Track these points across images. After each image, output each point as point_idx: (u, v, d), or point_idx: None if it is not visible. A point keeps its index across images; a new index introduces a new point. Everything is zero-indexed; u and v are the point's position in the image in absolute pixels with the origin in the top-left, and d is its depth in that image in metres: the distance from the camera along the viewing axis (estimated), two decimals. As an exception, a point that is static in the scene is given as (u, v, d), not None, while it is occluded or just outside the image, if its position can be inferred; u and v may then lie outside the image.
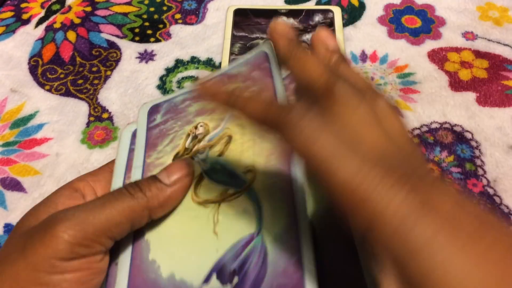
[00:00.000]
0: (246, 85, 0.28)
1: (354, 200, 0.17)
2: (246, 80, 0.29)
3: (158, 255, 0.25)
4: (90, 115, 0.44)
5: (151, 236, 0.25)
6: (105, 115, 0.44)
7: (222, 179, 0.26)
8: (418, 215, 0.16)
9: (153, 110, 0.30)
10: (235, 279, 0.23)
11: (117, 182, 0.28)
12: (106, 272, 0.25)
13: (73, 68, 0.48)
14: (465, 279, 0.15)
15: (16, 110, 0.45)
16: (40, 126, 0.43)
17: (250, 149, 0.27)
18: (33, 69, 0.48)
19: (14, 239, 0.24)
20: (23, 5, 0.55)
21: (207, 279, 0.24)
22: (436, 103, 0.43)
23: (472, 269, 0.15)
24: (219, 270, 0.24)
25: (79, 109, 0.44)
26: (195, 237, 0.25)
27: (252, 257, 0.24)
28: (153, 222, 0.25)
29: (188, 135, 0.28)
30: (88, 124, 0.43)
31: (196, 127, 0.28)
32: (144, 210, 0.24)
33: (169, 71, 0.47)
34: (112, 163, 0.29)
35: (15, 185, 0.39)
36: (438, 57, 0.47)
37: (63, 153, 0.41)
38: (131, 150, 0.29)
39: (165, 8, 0.54)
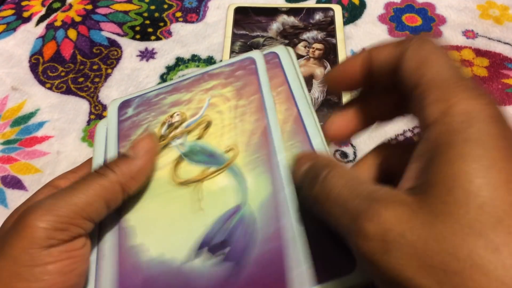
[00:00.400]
0: (228, 81, 0.29)
1: (438, 94, 0.19)
2: (229, 77, 0.30)
3: (145, 238, 0.25)
4: (91, 113, 0.44)
5: (135, 222, 0.26)
6: (106, 113, 0.44)
7: (202, 159, 0.27)
8: (484, 118, 0.17)
9: (124, 105, 0.31)
10: (226, 249, 0.24)
11: (111, 153, 0.28)
12: (89, 261, 0.25)
13: (74, 66, 0.48)
14: (483, 193, 0.16)
15: (17, 108, 0.45)
16: (41, 124, 0.43)
17: (231, 131, 0.28)
18: (34, 67, 0.48)
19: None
20: (24, 3, 0.55)
21: (198, 253, 0.24)
22: (436, 102, 0.43)
23: (496, 189, 0.16)
24: (209, 243, 0.24)
25: (80, 107, 0.44)
26: (180, 216, 0.25)
27: (241, 226, 0.24)
28: (135, 208, 0.26)
29: (164, 123, 0.29)
30: (89, 122, 0.43)
31: (172, 116, 0.29)
32: (116, 186, 0.24)
33: (170, 69, 0.47)
34: (91, 160, 0.29)
35: (16, 183, 0.39)
36: (438, 56, 0.47)
37: (64, 151, 0.41)
38: (121, 121, 0.30)
39: (165, 6, 0.54)
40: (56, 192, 0.24)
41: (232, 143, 0.27)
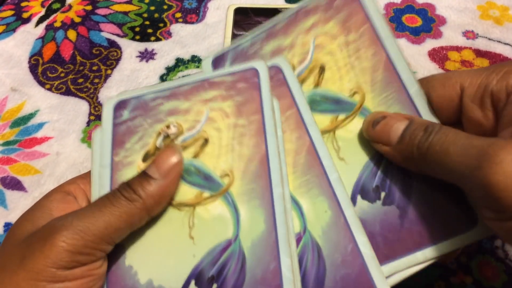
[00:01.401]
0: (229, 94, 0.28)
1: None
2: (230, 89, 0.28)
3: (135, 260, 0.24)
4: (90, 114, 0.44)
5: (126, 241, 0.25)
6: (105, 114, 0.44)
7: (197, 181, 0.26)
8: None
9: (120, 105, 0.29)
10: (214, 286, 0.23)
11: (105, 160, 0.27)
12: (104, 279, 0.24)
13: (74, 67, 0.48)
14: None
15: (17, 109, 0.45)
16: (40, 125, 0.43)
17: (228, 153, 0.26)
18: (33, 68, 0.48)
19: (11, 247, 0.24)
20: (23, 4, 0.55)
21: (185, 286, 0.23)
22: (436, 102, 0.43)
23: None
24: (197, 276, 0.23)
25: (79, 108, 0.44)
26: (170, 241, 0.25)
27: (230, 263, 0.23)
28: None
29: (159, 134, 0.28)
30: (88, 123, 0.43)
31: (168, 127, 0.28)
32: (142, 212, 0.24)
33: (170, 70, 0.47)
34: None
35: (15, 184, 0.39)
36: (438, 56, 0.47)
37: (63, 152, 0.41)
38: (116, 125, 0.28)
39: (165, 7, 0.54)
40: (83, 212, 0.24)
41: (228, 168, 0.26)
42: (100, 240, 0.23)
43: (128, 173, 0.27)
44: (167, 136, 0.27)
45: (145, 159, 0.27)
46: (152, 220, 0.25)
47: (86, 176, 0.28)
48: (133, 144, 0.28)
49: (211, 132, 0.27)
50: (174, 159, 0.25)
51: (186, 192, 0.26)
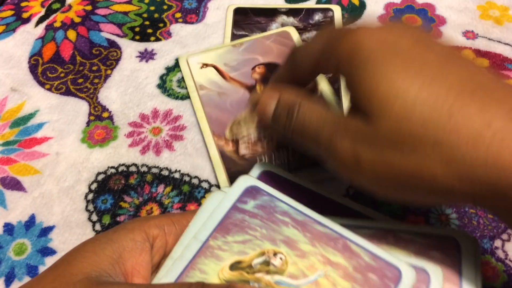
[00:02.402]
0: (353, 275, 0.24)
1: None
2: (358, 271, 0.24)
3: None
4: (90, 114, 0.44)
5: None
6: (105, 114, 0.44)
7: None
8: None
9: (251, 190, 0.27)
10: None
11: (201, 235, 0.25)
12: None
13: (73, 67, 0.48)
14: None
15: (16, 109, 0.45)
16: (40, 125, 0.43)
17: None
18: (33, 68, 0.48)
19: (63, 282, 0.22)
20: (23, 4, 0.55)
21: None
22: (436, 102, 0.43)
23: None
24: None
25: (79, 108, 0.44)
26: None
27: None
28: None
29: (262, 254, 0.25)
30: (88, 123, 0.43)
31: (275, 254, 0.25)
32: None
33: (170, 70, 0.47)
34: (191, 212, 0.27)
35: (15, 185, 0.39)
36: (438, 56, 0.47)
37: (63, 152, 0.41)
38: (235, 208, 0.26)
39: (165, 7, 0.54)
40: None
41: None
42: None
43: (209, 267, 0.24)
44: (267, 263, 0.24)
45: (233, 267, 0.24)
46: None
47: (175, 221, 0.27)
48: (234, 242, 0.25)
49: None
50: None
51: None
